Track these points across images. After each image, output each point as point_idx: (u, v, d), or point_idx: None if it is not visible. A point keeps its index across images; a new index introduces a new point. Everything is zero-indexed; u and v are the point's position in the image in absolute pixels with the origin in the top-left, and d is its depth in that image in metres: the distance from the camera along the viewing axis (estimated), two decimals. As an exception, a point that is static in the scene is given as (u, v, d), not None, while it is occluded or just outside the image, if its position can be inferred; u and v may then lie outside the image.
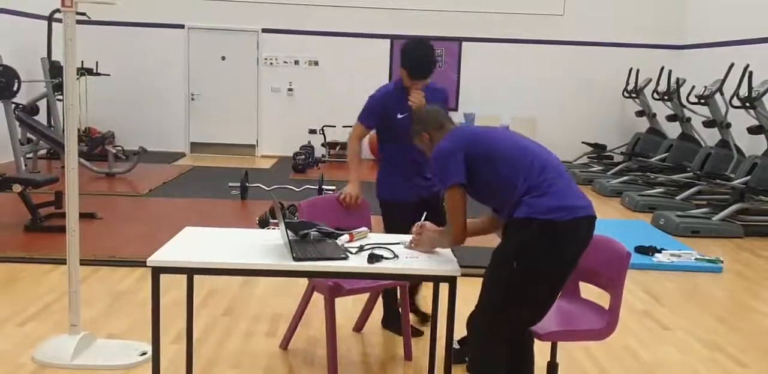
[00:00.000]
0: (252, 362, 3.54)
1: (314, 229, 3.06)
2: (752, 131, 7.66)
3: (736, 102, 7.90)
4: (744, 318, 4.47)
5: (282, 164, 10.77)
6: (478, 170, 2.71)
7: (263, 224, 5.93)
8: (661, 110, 10.26)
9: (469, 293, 4.73)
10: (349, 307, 4.26)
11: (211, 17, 11.35)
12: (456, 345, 3.56)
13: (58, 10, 8.66)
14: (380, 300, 3.93)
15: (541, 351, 3.62)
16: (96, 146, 8.97)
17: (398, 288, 3.69)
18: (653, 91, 10.14)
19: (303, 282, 3.86)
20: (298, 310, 3.67)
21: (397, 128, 3.64)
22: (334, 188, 7.67)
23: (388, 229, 3.70)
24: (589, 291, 3.18)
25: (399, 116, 3.66)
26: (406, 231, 3.13)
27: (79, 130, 9.15)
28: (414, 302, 4.08)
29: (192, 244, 2.97)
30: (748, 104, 7.65)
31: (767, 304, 4.65)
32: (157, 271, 2.72)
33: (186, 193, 8.00)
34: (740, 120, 8.15)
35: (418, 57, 3.60)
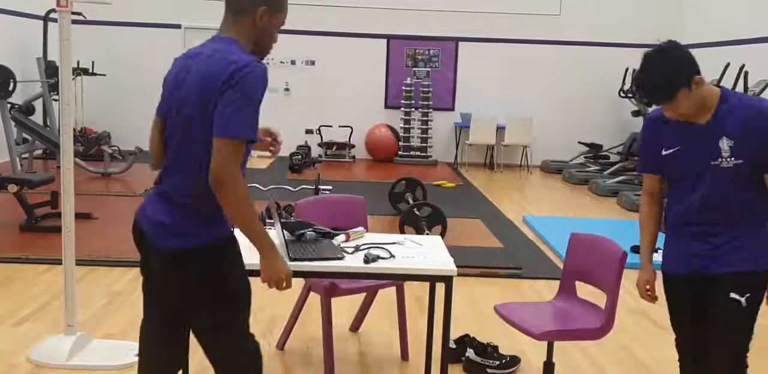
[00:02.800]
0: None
1: (310, 229, 3.06)
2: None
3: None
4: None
5: (278, 164, 10.76)
6: None
7: (260, 224, 5.91)
8: (658, 109, 10.27)
9: (467, 293, 4.74)
10: (345, 307, 4.26)
11: (207, 17, 11.26)
12: (452, 345, 3.57)
13: (53, 10, 8.64)
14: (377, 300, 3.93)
15: (537, 350, 3.63)
16: (92, 146, 8.96)
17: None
18: (649, 91, 10.14)
19: (299, 282, 3.85)
20: (294, 310, 3.67)
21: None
22: (330, 188, 7.67)
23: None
24: (585, 290, 3.18)
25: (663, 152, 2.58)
26: (683, 325, 2.63)
27: (74, 130, 9.13)
28: None
29: (188, 244, 2.96)
30: (743, 104, 7.67)
31: (764, 304, 4.67)
32: (153, 271, 2.71)
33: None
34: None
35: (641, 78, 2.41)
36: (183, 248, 2.17)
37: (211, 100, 2.06)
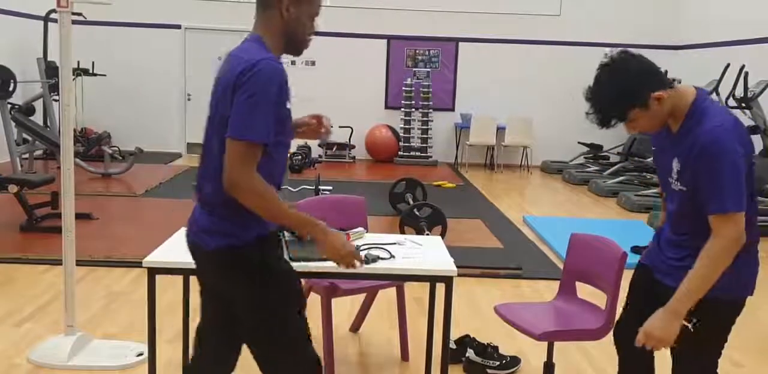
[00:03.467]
0: (248, 362, 3.53)
1: (310, 229, 3.06)
2: (748, 131, 7.66)
3: (732, 102, 7.92)
4: (740, 318, 4.47)
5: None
6: None
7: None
8: (658, 110, 10.28)
9: (467, 293, 4.74)
10: (345, 307, 4.26)
11: (207, 17, 11.34)
12: (452, 345, 3.57)
13: (54, 11, 8.64)
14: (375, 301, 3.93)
15: (537, 350, 3.63)
16: (92, 146, 8.96)
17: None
18: (649, 92, 10.15)
19: (299, 283, 3.85)
20: (294, 310, 3.66)
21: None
22: (330, 188, 7.67)
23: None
24: (585, 290, 3.18)
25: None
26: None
27: (75, 130, 9.16)
28: None
29: (188, 244, 2.96)
30: (743, 105, 7.67)
31: (763, 304, 4.66)
32: (153, 272, 2.72)
33: (182, 194, 7.99)
34: (736, 120, 8.17)
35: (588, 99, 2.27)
36: (227, 246, 2.10)
37: (228, 102, 2.02)
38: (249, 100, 1.98)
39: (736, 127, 2.14)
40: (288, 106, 2.11)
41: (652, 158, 2.45)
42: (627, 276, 2.93)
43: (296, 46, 2.21)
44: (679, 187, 2.20)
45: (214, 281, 2.24)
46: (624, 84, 2.11)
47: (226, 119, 2.02)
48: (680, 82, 9.66)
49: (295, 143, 11.27)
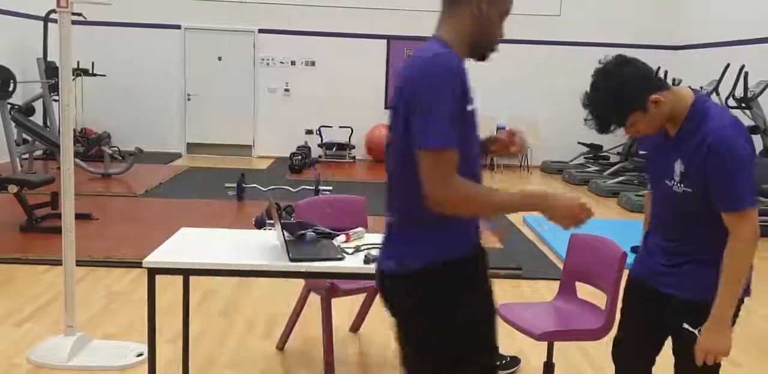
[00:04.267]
0: (248, 363, 3.54)
1: (310, 229, 3.06)
2: (748, 131, 7.67)
3: (732, 102, 7.92)
4: (741, 319, 4.47)
5: (278, 164, 10.77)
6: None
7: (260, 224, 5.93)
8: (658, 110, 10.28)
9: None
10: (345, 307, 4.26)
11: (207, 17, 11.34)
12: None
13: (54, 11, 8.65)
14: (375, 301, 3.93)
15: (537, 350, 3.63)
16: (92, 146, 8.96)
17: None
18: (649, 92, 10.15)
19: (299, 283, 3.86)
20: (294, 311, 3.67)
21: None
22: (330, 188, 7.67)
23: None
24: (585, 290, 3.18)
25: None
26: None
27: (75, 130, 9.16)
28: None
29: (188, 245, 2.97)
30: (743, 105, 7.67)
31: (762, 304, 4.66)
32: (153, 272, 2.72)
33: (182, 194, 8.00)
34: (736, 120, 8.17)
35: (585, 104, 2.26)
36: (422, 268, 1.86)
37: (405, 109, 1.80)
38: (424, 101, 1.75)
39: (740, 126, 2.15)
40: (470, 107, 1.87)
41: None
42: (627, 276, 2.93)
43: (482, 50, 1.98)
44: (682, 189, 2.17)
45: (383, 297, 2.05)
46: (621, 89, 2.10)
47: (406, 128, 1.81)
48: (680, 83, 9.70)
49: (294, 144, 11.28)
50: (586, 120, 2.18)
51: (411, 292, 1.90)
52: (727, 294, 2.10)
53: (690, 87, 2.27)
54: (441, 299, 1.87)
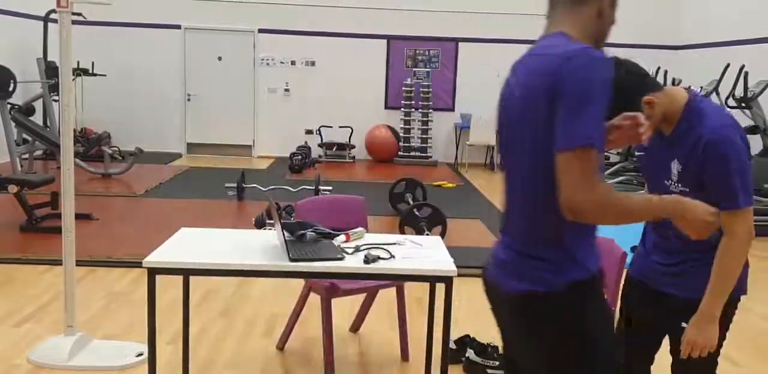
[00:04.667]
0: (248, 363, 3.54)
1: (310, 229, 3.06)
2: (748, 131, 7.67)
3: (731, 102, 7.92)
4: (738, 318, 4.48)
5: (278, 164, 10.77)
6: None
7: (260, 224, 5.93)
8: (657, 110, 10.28)
9: (467, 293, 4.74)
10: (345, 307, 4.26)
11: (207, 18, 11.34)
12: (452, 345, 3.57)
13: (54, 11, 8.66)
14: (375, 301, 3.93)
15: (537, 351, 3.62)
16: (92, 146, 8.96)
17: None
18: (649, 92, 10.15)
19: (299, 283, 3.86)
20: (294, 311, 3.67)
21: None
22: (330, 188, 7.67)
23: None
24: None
25: None
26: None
27: (75, 130, 9.16)
28: None
29: (188, 245, 2.97)
30: (743, 104, 7.67)
31: (762, 304, 4.66)
32: (154, 272, 2.71)
33: (182, 194, 8.00)
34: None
35: None
36: (528, 292, 1.76)
37: (539, 111, 1.66)
38: (574, 98, 1.61)
39: (736, 125, 2.15)
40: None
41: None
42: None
43: (599, 47, 1.86)
44: (680, 188, 2.18)
45: (508, 326, 2.00)
46: (614, 92, 2.11)
47: (534, 134, 1.68)
48: (680, 83, 9.70)
49: (294, 144, 11.28)
50: None
51: (558, 312, 1.77)
52: (717, 290, 2.11)
53: (689, 87, 2.27)
54: (588, 316, 1.78)
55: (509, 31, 11.44)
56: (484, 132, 10.94)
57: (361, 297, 3.92)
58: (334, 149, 11.25)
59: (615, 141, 2.04)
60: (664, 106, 2.14)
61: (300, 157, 10.07)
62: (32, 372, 3.33)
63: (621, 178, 9.50)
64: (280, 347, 3.70)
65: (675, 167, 2.18)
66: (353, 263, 2.79)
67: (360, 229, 3.19)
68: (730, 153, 2.06)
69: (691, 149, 2.11)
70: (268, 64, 11.48)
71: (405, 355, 3.64)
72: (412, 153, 11.41)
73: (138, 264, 2.92)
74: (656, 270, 2.32)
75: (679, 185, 2.18)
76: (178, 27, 11.36)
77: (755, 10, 9.23)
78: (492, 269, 1.89)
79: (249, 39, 11.41)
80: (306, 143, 11.40)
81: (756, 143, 7.99)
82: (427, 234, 5.51)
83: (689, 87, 2.28)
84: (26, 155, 8.82)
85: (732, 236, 2.10)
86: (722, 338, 2.26)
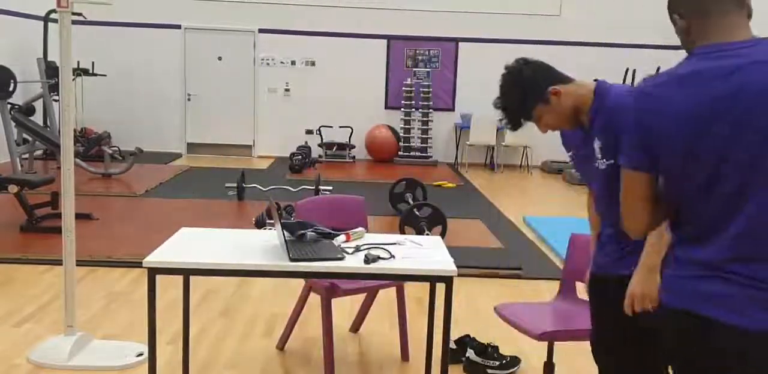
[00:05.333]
0: (248, 363, 3.54)
1: (311, 229, 3.06)
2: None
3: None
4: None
5: (279, 164, 10.77)
6: None
7: (260, 224, 5.93)
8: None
9: (467, 293, 4.74)
10: (345, 307, 4.26)
11: (207, 17, 11.34)
12: (452, 345, 3.57)
13: (54, 11, 8.65)
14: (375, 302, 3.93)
15: (537, 350, 3.63)
16: (92, 146, 8.96)
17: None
18: (649, 92, 10.15)
19: (299, 283, 3.86)
20: (294, 311, 3.67)
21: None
22: (330, 188, 7.67)
23: None
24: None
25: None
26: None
27: (75, 130, 9.15)
28: None
29: (188, 245, 2.97)
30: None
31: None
32: (154, 272, 2.71)
33: (182, 194, 8.00)
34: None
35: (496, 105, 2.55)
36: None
37: None
38: None
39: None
40: None
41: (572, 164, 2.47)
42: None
43: None
44: (605, 164, 2.20)
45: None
46: (521, 84, 2.29)
47: None
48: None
49: (295, 144, 11.28)
50: (500, 121, 2.39)
51: None
52: (656, 243, 2.08)
53: (595, 79, 2.32)
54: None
55: (509, 31, 11.44)
56: (484, 132, 10.94)
57: (361, 297, 3.92)
58: (335, 149, 11.24)
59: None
60: (573, 96, 2.24)
61: (300, 157, 10.07)
62: (32, 372, 3.33)
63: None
64: (280, 347, 3.70)
65: (597, 145, 2.23)
66: (353, 263, 2.79)
67: (360, 229, 3.19)
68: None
69: (603, 123, 2.19)
70: (268, 64, 11.48)
71: (405, 355, 3.64)
72: (412, 153, 11.41)
73: (138, 264, 2.92)
74: (612, 258, 2.33)
75: (604, 160, 2.22)
76: (178, 27, 11.36)
77: (755, 10, 9.21)
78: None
79: (249, 39, 11.41)
80: (306, 143, 11.40)
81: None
82: (427, 234, 5.51)
83: (596, 80, 2.33)
84: (26, 155, 8.82)
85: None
86: None
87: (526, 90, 2.28)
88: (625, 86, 2.25)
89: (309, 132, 11.57)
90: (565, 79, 2.29)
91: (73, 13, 3.47)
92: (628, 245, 2.24)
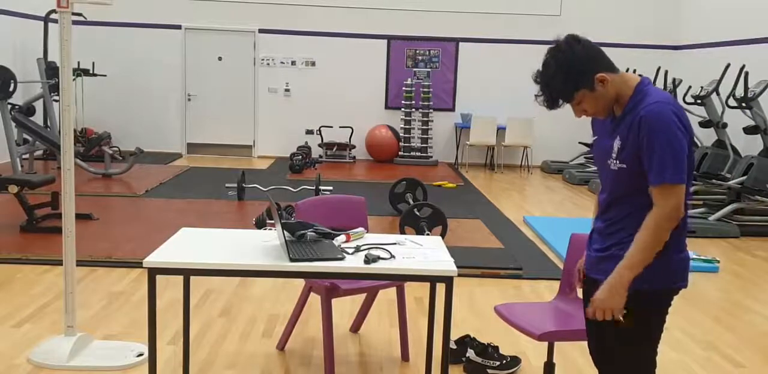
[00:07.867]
0: (248, 363, 3.54)
1: (311, 229, 3.06)
2: (748, 131, 7.67)
3: (732, 102, 7.92)
4: (740, 318, 4.48)
5: (279, 164, 10.77)
6: None
7: (260, 224, 5.93)
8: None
9: (468, 293, 4.74)
10: (346, 307, 4.26)
11: (207, 18, 11.34)
12: (453, 345, 3.57)
13: (54, 11, 8.65)
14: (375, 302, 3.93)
15: (538, 350, 3.63)
16: (92, 146, 8.96)
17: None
18: (649, 92, 10.14)
19: (300, 283, 3.86)
20: (294, 311, 3.67)
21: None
22: (330, 188, 7.67)
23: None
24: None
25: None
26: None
27: (75, 131, 9.16)
28: None
29: (188, 245, 2.97)
30: (744, 104, 7.67)
31: (763, 304, 4.66)
32: (154, 272, 2.71)
33: (183, 194, 8.00)
34: (736, 120, 8.17)
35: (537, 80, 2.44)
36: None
37: None
38: None
39: (675, 105, 2.17)
40: None
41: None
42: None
43: None
44: (618, 166, 2.20)
45: None
46: (569, 66, 2.19)
47: None
48: (681, 82, 9.69)
49: (295, 144, 11.28)
50: (536, 96, 2.30)
51: None
52: (631, 259, 2.12)
53: (641, 75, 2.30)
54: None
55: (509, 31, 11.44)
56: (484, 132, 10.94)
57: (361, 297, 3.92)
58: (335, 149, 11.24)
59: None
60: (616, 87, 2.21)
61: (300, 157, 10.07)
62: (32, 372, 3.33)
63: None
64: (280, 347, 3.70)
65: (616, 144, 2.22)
66: (353, 263, 2.79)
67: (360, 229, 3.19)
68: (662, 127, 2.09)
69: (629, 126, 2.16)
70: (268, 64, 11.48)
71: (405, 355, 3.64)
72: (413, 153, 11.41)
73: (138, 264, 2.92)
74: (593, 258, 2.33)
75: (617, 161, 2.22)
76: (178, 27, 11.36)
77: (755, 10, 9.22)
78: None
79: (249, 39, 11.41)
80: (306, 143, 11.40)
81: (757, 143, 7.99)
82: (428, 234, 5.51)
83: (641, 75, 2.31)
84: (26, 155, 8.81)
85: (657, 208, 2.11)
86: (654, 334, 2.26)
87: (573, 72, 2.19)
88: (662, 95, 2.18)
89: (309, 132, 11.57)
90: (612, 67, 2.24)
91: (73, 13, 3.47)
92: (606, 247, 2.26)
